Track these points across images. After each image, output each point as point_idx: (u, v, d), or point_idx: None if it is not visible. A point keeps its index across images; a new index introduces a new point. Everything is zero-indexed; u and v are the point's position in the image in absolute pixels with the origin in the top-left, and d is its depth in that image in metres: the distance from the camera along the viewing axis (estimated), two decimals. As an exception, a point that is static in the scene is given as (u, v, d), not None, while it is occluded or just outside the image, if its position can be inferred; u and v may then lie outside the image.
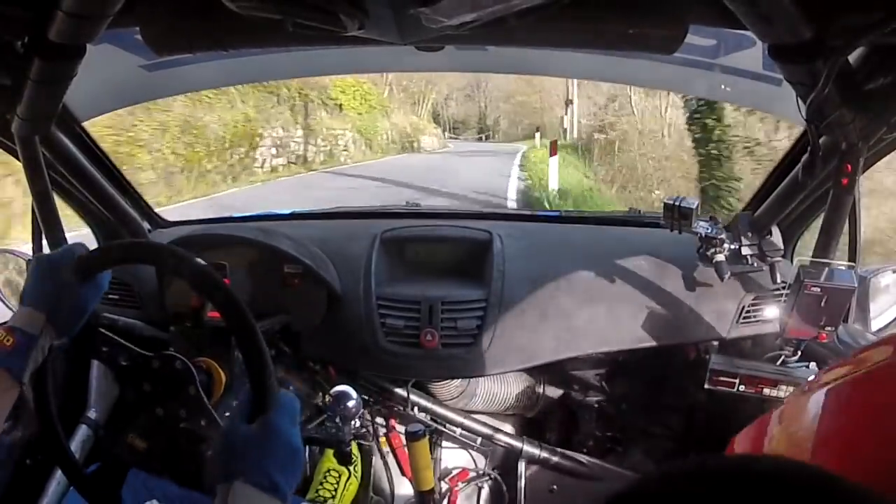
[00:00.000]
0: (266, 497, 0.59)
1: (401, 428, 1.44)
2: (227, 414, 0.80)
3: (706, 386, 1.14)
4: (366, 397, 1.38)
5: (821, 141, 0.95)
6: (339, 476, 1.30)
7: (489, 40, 0.93)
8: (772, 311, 1.26)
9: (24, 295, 0.72)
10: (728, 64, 1.08)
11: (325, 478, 1.29)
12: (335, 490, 1.29)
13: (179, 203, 7.51)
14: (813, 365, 1.11)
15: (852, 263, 1.10)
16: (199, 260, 0.66)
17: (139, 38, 0.84)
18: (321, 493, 1.28)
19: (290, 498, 0.62)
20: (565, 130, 16.03)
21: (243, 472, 0.60)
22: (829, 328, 1.03)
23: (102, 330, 0.90)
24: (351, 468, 1.31)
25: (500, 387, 1.42)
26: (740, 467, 0.32)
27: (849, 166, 0.93)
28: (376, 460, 1.46)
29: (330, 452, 1.30)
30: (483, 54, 1.24)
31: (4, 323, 0.72)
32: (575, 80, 13.69)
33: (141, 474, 1.01)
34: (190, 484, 0.87)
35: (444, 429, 1.41)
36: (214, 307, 0.66)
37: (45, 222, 1.08)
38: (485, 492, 1.47)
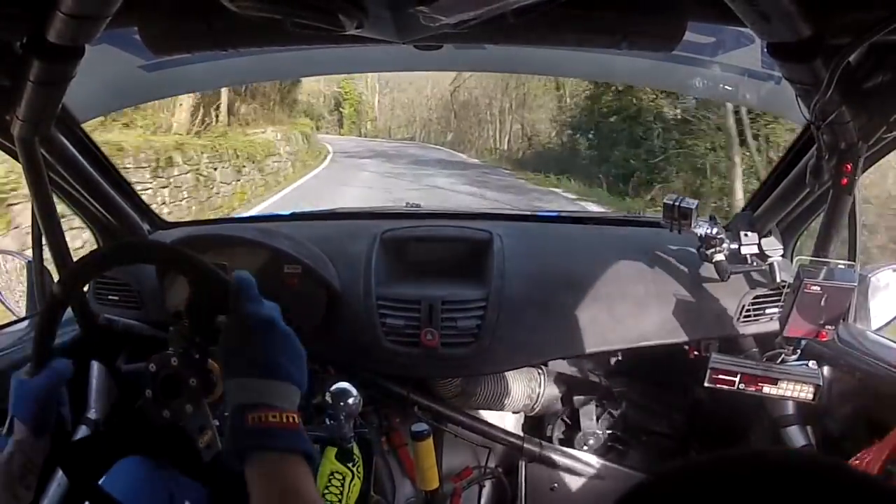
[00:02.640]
0: (270, 382, 0.58)
1: (402, 427, 1.44)
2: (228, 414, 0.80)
3: (706, 384, 1.14)
4: (366, 397, 1.38)
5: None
6: (344, 478, 1.30)
7: (488, 39, 0.92)
8: (772, 310, 1.26)
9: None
10: (727, 62, 1.08)
11: (329, 481, 1.29)
12: (341, 492, 1.28)
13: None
14: (813, 363, 1.11)
15: (852, 262, 1.10)
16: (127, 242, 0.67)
17: (138, 38, 0.84)
18: (328, 497, 1.28)
19: (304, 386, 0.60)
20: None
21: (242, 368, 0.59)
22: (829, 327, 1.03)
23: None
24: (354, 468, 1.31)
25: (500, 386, 1.42)
26: (754, 459, 0.33)
27: (848, 166, 0.93)
28: (378, 459, 1.46)
29: (331, 453, 1.30)
30: (482, 53, 1.24)
31: (12, 323, 0.72)
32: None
33: (134, 465, 1.01)
34: (198, 475, 0.87)
35: (444, 428, 1.41)
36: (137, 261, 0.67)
37: (45, 223, 1.08)
38: (486, 490, 1.47)
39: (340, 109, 29.22)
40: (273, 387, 0.58)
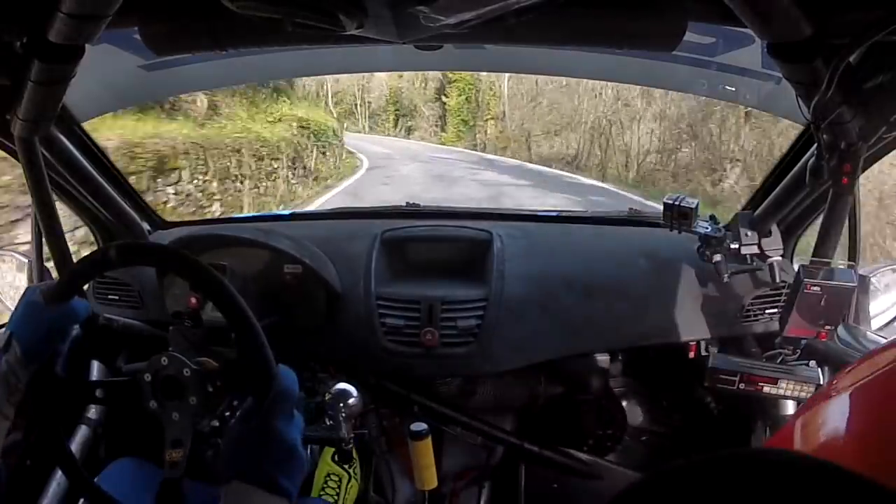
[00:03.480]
0: (269, 497, 0.60)
1: (401, 427, 1.44)
2: (227, 413, 0.80)
3: (706, 384, 1.15)
4: (366, 397, 1.38)
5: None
6: (340, 480, 1.30)
7: (488, 39, 0.93)
8: (772, 310, 1.26)
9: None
10: (727, 62, 1.08)
11: (326, 483, 1.29)
12: (337, 494, 1.28)
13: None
14: (813, 363, 1.12)
15: (852, 262, 1.10)
16: (177, 250, 0.67)
17: (138, 38, 0.84)
18: (323, 498, 1.28)
19: (295, 496, 0.62)
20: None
21: (243, 472, 0.61)
22: (828, 327, 1.03)
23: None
24: (351, 471, 1.31)
25: (500, 386, 1.42)
26: (754, 458, 0.33)
27: (848, 166, 0.93)
28: (377, 459, 1.46)
29: (328, 454, 1.30)
30: (482, 53, 1.24)
31: None
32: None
33: (128, 465, 1.01)
34: (197, 477, 0.87)
35: (444, 428, 1.41)
36: (200, 291, 0.67)
37: (45, 223, 1.08)
38: (486, 490, 1.47)
39: (443, 98, 19.78)
40: (267, 500, 0.61)
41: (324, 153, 11.30)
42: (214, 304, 0.70)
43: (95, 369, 1.35)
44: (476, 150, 17.88)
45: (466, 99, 18.94)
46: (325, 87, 18.73)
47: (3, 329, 0.74)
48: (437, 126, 21.26)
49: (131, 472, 1.00)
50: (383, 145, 17.35)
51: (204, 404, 0.74)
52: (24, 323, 0.72)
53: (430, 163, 13.77)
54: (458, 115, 19.25)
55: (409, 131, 22.35)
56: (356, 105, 23.04)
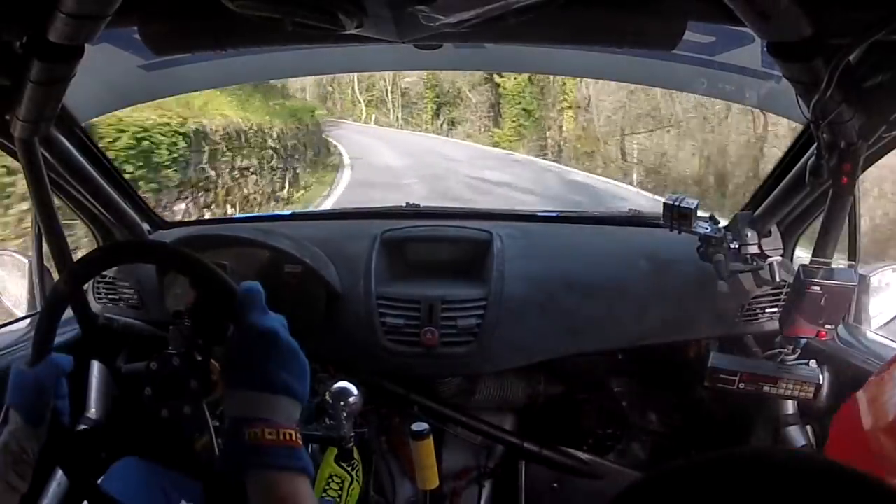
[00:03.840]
0: (269, 396, 0.58)
1: (401, 427, 1.44)
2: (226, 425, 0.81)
3: (706, 384, 1.14)
4: (366, 396, 1.38)
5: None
6: (342, 481, 1.30)
7: (487, 38, 0.93)
8: (772, 310, 1.26)
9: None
10: (727, 61, 1.08)
11: (328, 484, 1.29)
12: (339, 495, 1.28)
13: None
14: (813, 363, 1.11)
15: (852, 262, 1.10)
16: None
17: (138, 38, 0.84)
18: (326, 500, 1.28)
19: (303, 396, 0.60)
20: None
21: (243, 381, 0.59)
22: (828, 326, 1.03)
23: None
24: (353, 472, 1.31)
25: (500, 385, 1.42)
26: (754, 458, 0.33)
27: (848, 165, 0.93)
28: (377, 459, 1.46)
29: (331, 456, 1.30)
30: (482, 52, 1.24)
31: (13, 322, 0.73)
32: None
33: (131, 465, 1.01)
34: (196, 475, 0.87)
35: (444, 427, 1.41)
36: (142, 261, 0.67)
37: (45, 223, 1.08)
38: (486, 490, 1.47)
39: (496, 79, 12.93)
40: (273, 401, 0.58)
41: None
42: (153, 262, 0.71)
43: (95, 369, 1.35)
44: (545, 158, 11.58)
45: (529, 79, 11.84)
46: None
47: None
48: (488, 118, 14.86)
49: (136, 472, 1.00)
50: (404, 149, 12.00)
51: (203, 379, 0.73)
52: (15, 392, 0.73)
53: (464, 187, 9.06)
54: (518, 103, 12.61)
55: (451, 125, 16.71)
56: (387, 91, 18.72)
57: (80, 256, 0.79)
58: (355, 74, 16.82)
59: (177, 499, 0.98)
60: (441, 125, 17.31)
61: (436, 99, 17.84)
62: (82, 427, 1.30)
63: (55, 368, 0.75)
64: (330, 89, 19.65)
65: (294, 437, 0.58)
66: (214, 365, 0.75)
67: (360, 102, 19.72)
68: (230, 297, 0.65)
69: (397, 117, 18.65)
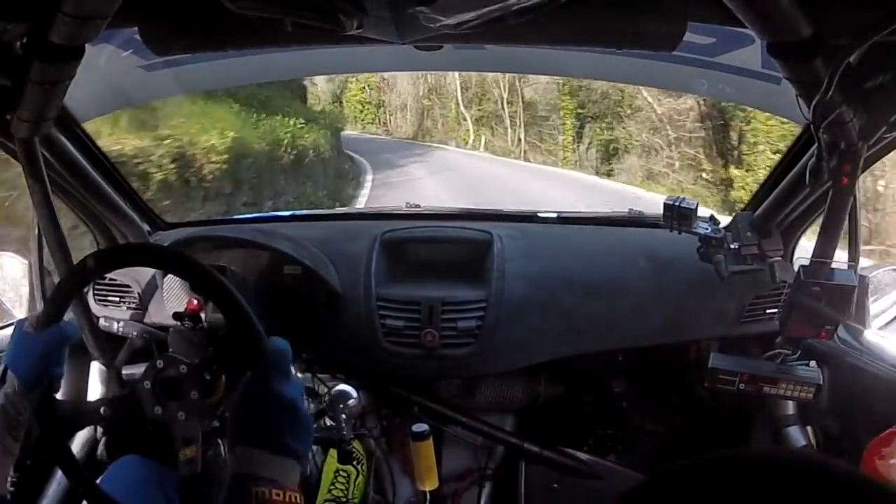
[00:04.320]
0: (276, 458, 0.60)
1: (402, 428, 1.43)
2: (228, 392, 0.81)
3: (706, 384, 1.14)
4: (366, 398, 1.38)
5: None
6: (349, 475, 1.31)
7: (488, 39, 0.93)
8: (772, 310, 1.26)
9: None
10: (727, 62, 1.08)
11: (335, 478, 1.30)
12: (346, 489, 1.29)
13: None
14: (813, 363, 1.11)
15: (852, 262, 1.10)
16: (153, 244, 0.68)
17: (138, 38, 0.84)
18: (333, 492, 1.29)
19: (306, 458, 0.63)
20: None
21: (247, 437, 0.61)
22: (829, 327, 1.03)
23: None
24: (358, 467, 1.31)
25: (500, 386, 1.42)
26: (753, 459, 0.33)
27: (848, 166, 0.93)
28: (378, 460, 1.46)
29: (333, 453, 1.30)
30: (482, 53, 1.24)
31: (13, 323, 0.73)
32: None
33: (131, 464, 1.01)
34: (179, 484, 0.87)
35: (444, 428, 1.41)
36: (179, 275, 0.68)
37: (45, 224, 1.08)
38: (486, 491, 1.47)
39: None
40: (282, 464, 0.61)
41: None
42: (191, 282, 0.71)
43: (95, 370, 1.35)
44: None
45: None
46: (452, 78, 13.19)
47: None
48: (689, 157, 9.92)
49: (136, 471, 1.00)
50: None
51: (205, 395, 0.74)
52: (17, 355, 0.74)
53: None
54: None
55: (607, 153, 11.19)
56: (503, 102, 13.66)
57: (81, 257, 0.79)
58: (458, 83, 14.47)
59: (176, 498, 0.97)
60: (586, 152, 11.71)
61: (578, 111, 12.06)
62: (82, 427, 1.30)
63: (61, 336, 0.75)
64: (427, 102, 16.43)
65: (298, 500, 0.60)
66: (218, 385, 0.76)
67: (465, 120, 15.08)
68: (259, 350, 0.67)
69: (518, 138, 13.51)
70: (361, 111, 18.08)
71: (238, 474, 0.60)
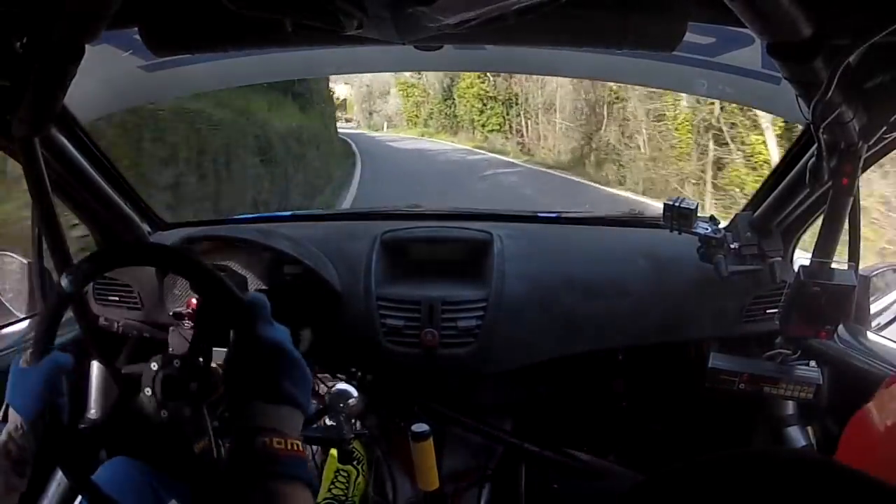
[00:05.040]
0: (277, 407, 0.59)
1: (402, 428, 1.43)
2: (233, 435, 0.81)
3: (706, 384, 1.14)
4: (366, 397, 1.38)
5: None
6: (349, 475, 1.31)
7: (488, 39, 0.93)
8: (772, 310, 1.26)
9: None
10: (727, 62, 1.08)
11: (336, 477, 1.30)
12: (346, 488, 1.29)
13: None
14: (813, 363, 1.11)
15: (852, 262, 1.10)
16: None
17: (138, 38, 0.84)
18: (334, 491, 1.29)
19: (307, 406, 0.61)
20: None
21: (251, 392, 0.60)
22: (829, 327, 1.03)
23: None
24: (359, 466, 1.31)
25: (500, 386, 1.42)
26: (753, 459, 0.33)
27: (849, 166, 0.93)
28: (378, 460, 1.46)
29: (333, 453, 1.30)
30: (482, 53, 1.24)
31: (13, 322, 0.73)
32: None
33: (120, 465, 1.01)
34: (189, 477, 0.87)
35: (445, 428, 1.41)
36: (150, 265, 0.68)
37: (45, 224, 1.08)
38: (486, 491, 1.47)
39: None
40: (280, 412, 0.59)
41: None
42: (159, 265, 0.71)
43: (95, 369, 1.35)
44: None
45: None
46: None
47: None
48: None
49: (124, 471, 0.99)
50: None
51: (205, 383, 0.74)
52: (15, 392, 0.73)
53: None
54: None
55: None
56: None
57: (81, 257, 0.79)
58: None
59: (166, 497, 0.97)
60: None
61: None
62: (82, 427, 1.30)
63: (55, 366, 0.75)
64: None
65: (301, 448, 0.58)
66: (216, 369, 0.75)
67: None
68: (236, 305, 0.65)
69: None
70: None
71: (241, 429, 0.58)
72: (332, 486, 1.28)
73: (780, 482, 0.30)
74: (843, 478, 0.30)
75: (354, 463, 1.28)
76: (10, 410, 0.73)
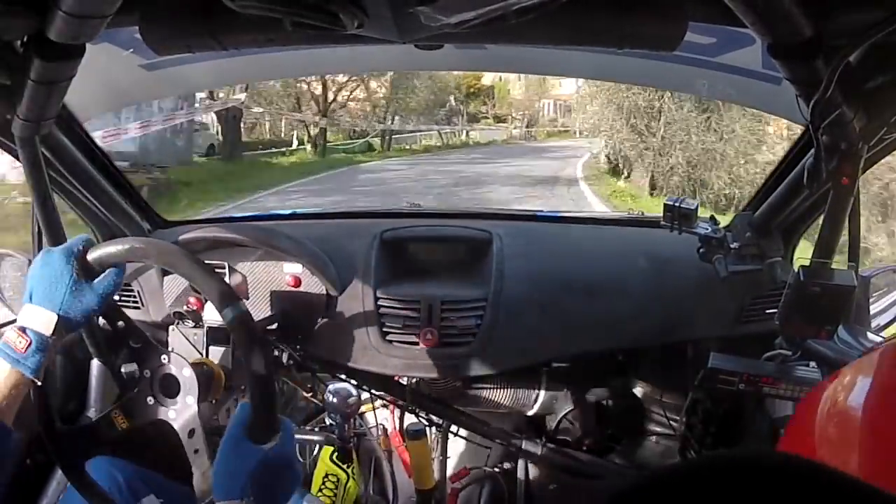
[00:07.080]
0: None
1: (401, 427, 1.44)
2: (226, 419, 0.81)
3: (706, 385, 1.14)
4: (365, 396, 1.38)
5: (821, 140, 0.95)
6: (338, 480, 1.29)
7: (488, 39, 0.92)
8: (772, 310, 1.26)
9: (31, 292, 0.72)
10: (727, 62, 1.08)
11: (324, 483, 1.29)
12: (335, 494, 1.28)
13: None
14: (813, 364, 1.11)
15: (852, 263, 1.10)
16: (214, 271, 0.69)
17: (139, 37, 0.84)
18: (321, 499, 1.27)
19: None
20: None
21: (256, 493, 0.64)
22: (828, 327, 1.03)
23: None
24: (349, 470, 1.30)
25: (499, 385, 1.42)
26: (753, 459, 0.33)
27: (848, 167, 0.93)
28: (376, 459, 1.46)
29: (326, 453, 1.29)
30: (482, 53, 1.24)
31: (13, 321, 0.72)
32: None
33: (103, 464, 1.00)
34: (170, 474, 0.87)
35: (443, 428, 1.41)
36: (223, 319, 0.68)
37: (45, 223, 1.08)
38: (485, 490, 1.47)
39: None
40: None
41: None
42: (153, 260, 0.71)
43: (95, 370, 1.35)
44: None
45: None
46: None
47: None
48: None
49: (107, 472, 0.99)
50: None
51: (202, 400, 0.74)
52: (61, 297, 0.73)
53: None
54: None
55: None
56: None
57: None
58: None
59: (145, 492, 0.97)
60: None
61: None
62: (82, 426, 1.30)
63: (110, 285, 0.76)
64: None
65: None
66: (214, 365, 0.76)
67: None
68: (271, 416, 0.69)
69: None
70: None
71: None
72: (319, 494, 1.27)
73: (771, 486, 0.30)
74: (834, 482, 0.30)
75: (346, 467, 1.27)
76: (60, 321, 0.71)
